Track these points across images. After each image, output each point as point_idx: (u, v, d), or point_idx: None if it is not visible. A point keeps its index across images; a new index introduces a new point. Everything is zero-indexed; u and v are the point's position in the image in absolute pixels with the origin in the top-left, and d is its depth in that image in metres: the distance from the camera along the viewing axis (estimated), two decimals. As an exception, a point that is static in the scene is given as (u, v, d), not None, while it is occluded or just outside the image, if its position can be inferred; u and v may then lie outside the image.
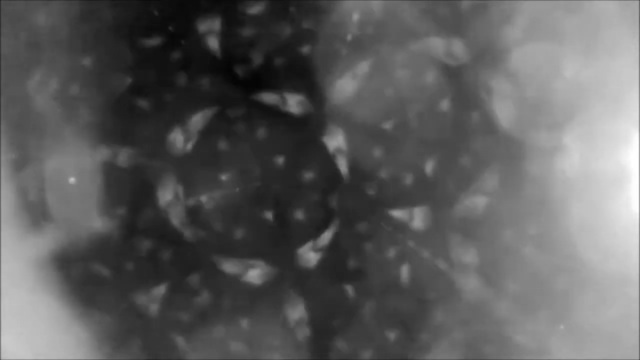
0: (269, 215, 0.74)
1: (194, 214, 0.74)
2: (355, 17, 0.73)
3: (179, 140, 0.75)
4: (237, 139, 0.74)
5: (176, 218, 0.74)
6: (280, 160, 0.74)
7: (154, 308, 0.75)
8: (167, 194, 0.75)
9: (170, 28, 0.75)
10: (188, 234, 0.75)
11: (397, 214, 0.74)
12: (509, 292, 0.72)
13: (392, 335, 0.74)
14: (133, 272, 0.75)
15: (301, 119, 0.74)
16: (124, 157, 0.75)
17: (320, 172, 0.74)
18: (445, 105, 0.73)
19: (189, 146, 0.74)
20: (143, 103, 0.75)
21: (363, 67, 0.73)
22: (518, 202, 0.72)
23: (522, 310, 0.72)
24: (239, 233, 0.74)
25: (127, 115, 0.75)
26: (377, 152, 0.74)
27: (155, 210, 0.75)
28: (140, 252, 0.75)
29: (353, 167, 0.74)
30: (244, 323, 0.74)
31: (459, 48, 0.73)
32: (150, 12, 0.75)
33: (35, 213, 0.74)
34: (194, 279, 0.74)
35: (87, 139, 0.74)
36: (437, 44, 0.73)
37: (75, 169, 0.74)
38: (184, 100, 0.75)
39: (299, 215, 0.74)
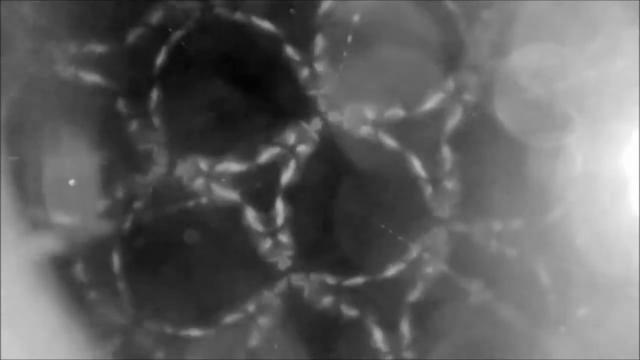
0: (269, 216, 0.74)
1: (193, 216, 0.74)
2: (356, 18, 0.73)
3: (178, 141, 0.75)
4: (238, 140, 0.74)
5: (176, 219, 0.74)
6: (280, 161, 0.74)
7: (153, 310, 0.75)
8: (167, 195, 0.75)
9: (169, 29, 0.75)
10: (188, 236, 0.75)
11: (399, 215, 0.74)
12: (510, 295, 0.72)
13: (393, 337, 0.74)
14: (132, 275, 0.75)
15: (301, 120, 0.74)
16: (123, 158, 0.75)
17: (320, 173, 0.74)
18: (446, 106, 0.73)
19: (189, 147, 0.75)
20: (142, 104, 0.75)
21: (363, 67, 0.73)
22: (519, 204, 0.72)
23: (523, 313, 0.72)
24: (239, 235, 0.74)
25: (127, 116, 0.75)
26: (377, 153, 0.74)
27: (155, 212, 0.75)
28: (140, 254, 0.75)
29: (353, 168, 0.74)
30: (244, 324, 0.74)
31: (460, 49, 0.73)
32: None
33: (35, 215, 0.74)
34: (193, 280, 0.74)
35: (87, 141, 0.74)
36: (437, 45, 0.73)
37: (75, 171, 0.74)
38: (184, 101, 0.75)
39: (299, 216, 0.74)
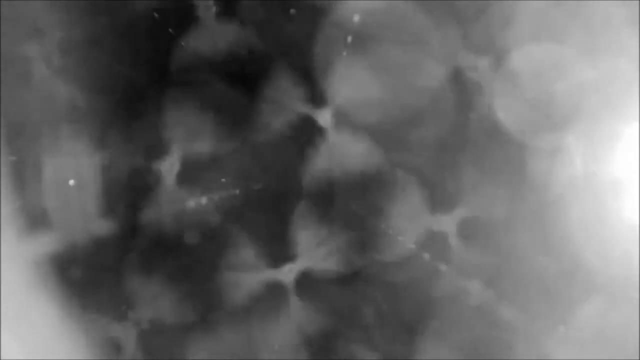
0: (269, 217, 0.74)
1: (193, 216, 0.74)
2: (356, 18, 0.73)
3: (178, 141, 0.75)
4: (238, 141, 0.74)
5: (176, 220, 0.74)
6: (280, 162, 0.74)
7: (153, 310, 0.74)
8: (167, 195, 0.75)
9: (170, 30, 0.75)
10: (188, 236, 0.75)
11: (399, 216, 0.74)
12: (510, 295, 0.72)
13: (393, 337, 0.74)
14: (132, 275, 0.75)
15: (301, 120, 0.74)
16: (123, 159, 0.75)
17: (320, 173, 0.74)
18: (446, 106, 0.73)
19: (189, 147, 0.75)
20: (142, 105, 0.75)
21: (363, 68, 0.73)
22: (519, 204, 0.72)
23: (523, 313, 0.72)
24: (239, 235, 0.74)
25: (127, 116, 0.75)
26: (378, 153, 0.74)
27: (155, 212, 0.75)
28: (140, 255, 0.75)
29: (353, 168, 0.74)
30: (244, 325, 0.74)
31: (460, 49, 0.73)
32: (150, 14, 0.75)
33: (35, 215, 0.74)
34: (193, 281, 0.74)
35: (87, 141, 0.74)
36: (438, 45, 0.73)
37: (75, 171, 0.74)
38: (184, 102, 0.75)
39: (299, 217, 0.74)
